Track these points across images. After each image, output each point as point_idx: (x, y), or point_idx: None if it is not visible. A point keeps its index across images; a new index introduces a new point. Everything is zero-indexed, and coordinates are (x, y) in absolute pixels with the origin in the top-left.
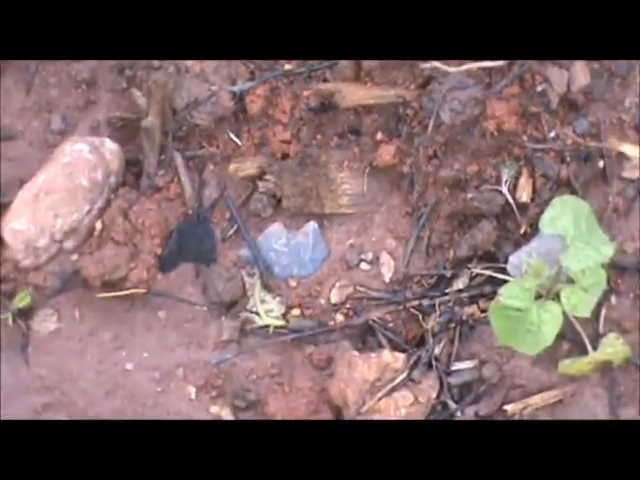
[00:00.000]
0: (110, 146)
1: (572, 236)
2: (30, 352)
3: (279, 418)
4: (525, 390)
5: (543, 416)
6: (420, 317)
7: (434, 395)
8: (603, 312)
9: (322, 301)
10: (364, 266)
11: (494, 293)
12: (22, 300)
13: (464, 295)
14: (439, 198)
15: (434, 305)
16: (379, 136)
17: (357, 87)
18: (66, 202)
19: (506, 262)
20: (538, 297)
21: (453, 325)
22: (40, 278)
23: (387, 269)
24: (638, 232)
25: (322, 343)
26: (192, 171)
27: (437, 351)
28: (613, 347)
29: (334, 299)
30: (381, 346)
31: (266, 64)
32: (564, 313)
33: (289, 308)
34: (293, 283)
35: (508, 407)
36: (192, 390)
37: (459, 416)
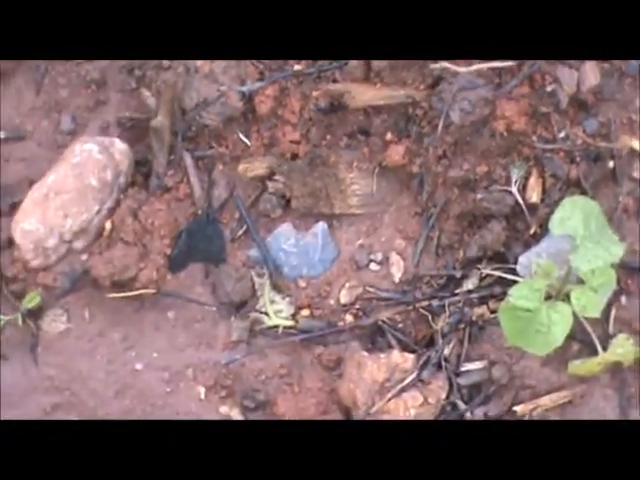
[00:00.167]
0: (119, 146)
1: (582, 236)
2: (39, 352)
3: (288, 418)
4: (535, 391)
5: (553, 417)
6: (430, 318)
7: (443, 396)
8: (613, 312)
9: (331, 301)
10: (373, 266)
11: (504, 294)
12: (32, 300)
13: (474, 296)
14: (449, 198)
15: (444, 306)
16: (388, 136)
17: (366, 87)
18: (76, 202)
19: (516, 263)
20: (548, 298)
21: (463, 326)
22: (50, 278)
23: (396, 269)
24: None
25: (331, 343)
26: (201, 171)
27: (447, 352)
28: (623, 348)
29: (343, 299)
30: (390, 347)
31: (275, 64)
32: (574, 313)
33: (298, 308)
34: (302, 283)
35: (518, 408)
36: (201, 390)
37: (468, 417)
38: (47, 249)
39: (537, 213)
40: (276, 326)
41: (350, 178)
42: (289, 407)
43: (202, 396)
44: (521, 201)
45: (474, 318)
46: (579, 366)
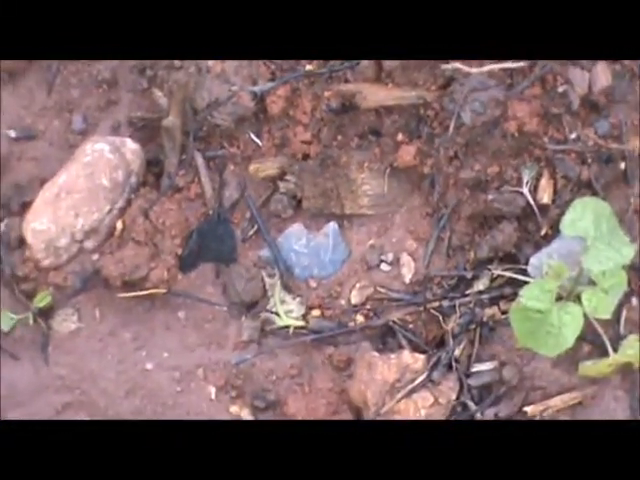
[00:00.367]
0: (131, 146)
1: (593, 237)
2: (50, 352)
3: (299, 419)
4: (545, 392)
5: (563, 418)
6: (440, 318)
7: (454, 396)
8: (624, 314)
9: (342, 302)
10: (384, 267)
11: (514, 294)
12: (42, 300)
13: (484, 296)
14: (460, 199)
15: (454, 306)
16: (400, 137)
17: (378, 88)
18: (87, 202)
19: (527, 263)
20: (559, 299)
21: (473, 326)
22: (60, 278)
23: (407, 270)
24: None
25: (342, 344)
26: (213, 171)
27: (457, 352)
28: (634, 349)
29: (354, 300)
30: (401, 347)
31: (287, 64)
32: (585, 315)
33: (309, 309)
34: (313, 284)
35: (528, 409)
36: (212, 390)
37: (479, 417)
38: (58, 249)
39: (548, 214)
40: (287, 326)
41: (361, 178)
42: (299, 407)
43: (213, 396)
44: (532, 202)
45: (485, 319)
46: (590, 367)
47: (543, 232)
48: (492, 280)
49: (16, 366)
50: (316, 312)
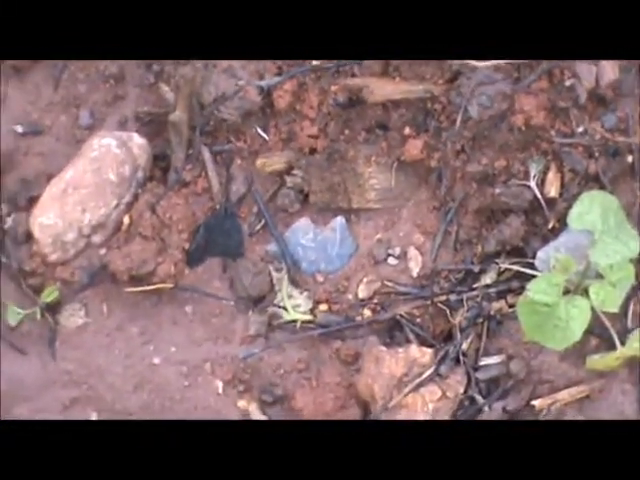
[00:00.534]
0: (138, 141)
1: (600, 231)
2: (58, 346)
3: (306, 413)
4: (553, 385)
5: (571, 412)
6: (448, 312)
7: (462, 390)
8: (631, 307)
9: (349, 296)
10: (392, 261)
11: (522, 288)
12: (50, 295)
13: (492, 290)
14: (467, 193)
15: (462, 300)
16: (407, 131)
17: (385, 82)
18: (94, 197)
19: (534, 257)
20: (566, 292)
21: (481, 320)
22: (68, 273)
23: (415, 264)
24: None
25: (349, 338)
26: (219, 166)
27: (465, 346)
28: None
29: (361, 294)
30: (408, 341)
31: None
32: (592, 308)
33: (316, 303)
34: (320, 278)
35: (536, 402)
36: (219, 384)
37: (487, 411)
38: (65, 243)
39: (555, 208)
40: (294, 321)
41: (368, 173)
42: (307, 402)
43: (220, 390)
44: (539, 196)
45: (492, 312)
46: (597, 361)
47: (550, 226)
48: (499, 274)
49: (23, 361)
50: (323, 306)
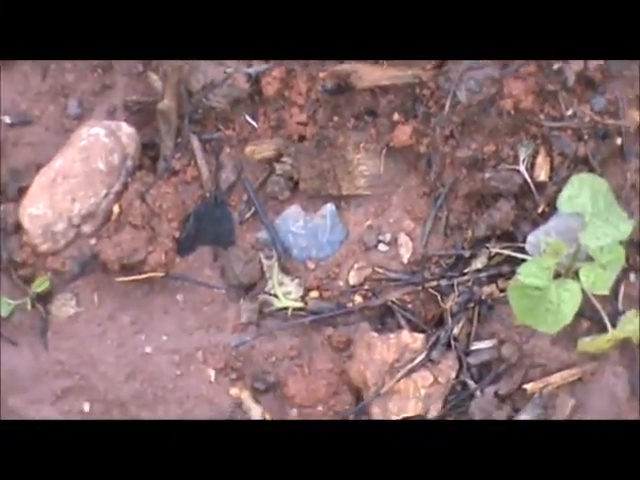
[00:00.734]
0: (127, 130)
1: (590, 214)
2: (49, 337)
3: (299, 400)
4: (545, 369)
5: (563, 395)
6: (439, 297)
7: (453, 375)
8: (622, 289)
9: (340, 283)
10: (382, 247)
11: (513, 273)
12: (40, 285)
13: (483, 275)
14: (456, 178)
15: (453, 285)
16: (396, 117)
17: (373, 68)
18: (83, 186)
19: (524, 241)
20: (557, 276)
21: (472, 305)
22: (58, 263)
23: (405, 250)
24: None
25: (341, 325)
26: (209, 154)
27: (456, 331)
28: (632, 324)
29: (352, 281)
30: (400, 327)
31: None
32: (583, 291)
33: (307, 290)
34: (311, 265)
35: (528, 386)
36: (212, 373)
37: (479, 396)
38: (55, 233)
39: (545, 191)
40: (285, 308)
41: (358, 159)
42: (299, 389)
43: (212, 379)
44: (529, 180)
45: (483, 297)
46: (589, 343)
47: (540, 209)
48: (490, 258)
49: (15, 352)
50: (314, 293)
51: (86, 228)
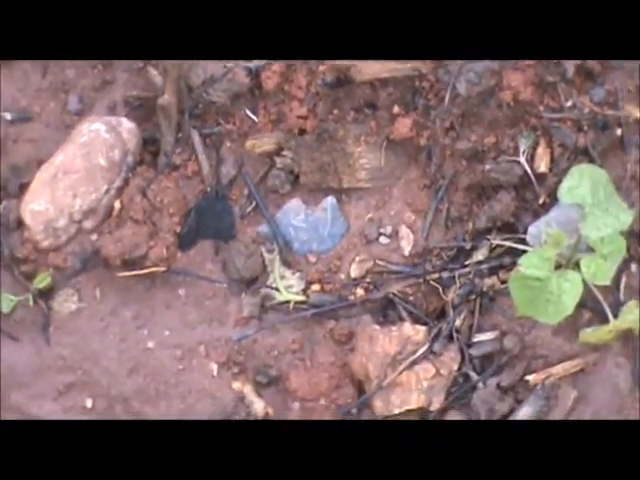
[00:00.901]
0: (127, 125)
1: (591, 204)
2: (52, 332)
3: (301, 394)
4: (547, 360)
5: (565, 386)
6: (440, 290)
7: (455, 367)
8: (623, 280)
9: (342, 276)
10: (383, 240)
11: (514, 264)
12: (42, 281)
13: (484, 267)
14: (457, 170)
15: (454, 277)
16: (395, 109)
17: (373, 61)
18: (84, 182)
19: (525, 233)
20: (558, 267)
21: (473, 297)
22: (60, 258)
23: (406, 242)
24: None
25: (343, 318)
26: (209, 148)
27: (458, 323)
28: (634, 315)
29: (354, 274)
30: (402, 319)
31: None
32: (584, 282)
33: (309, 283)
34: (312, 258)
35: (530, 377)
36: (214, 367)
37: (481, 387)
38: (57, 229)
39: (546, 183)
40: (287, 301)
41: (358, 152)
42: (302, 382)
43: (215, 373)
44: (529, 171)
45: (485, 289)
46: (590, 334)
47: (541, 201)
48: (491, 250)
49: (17, 348)
50: (316, 287)
51: (87, 224)
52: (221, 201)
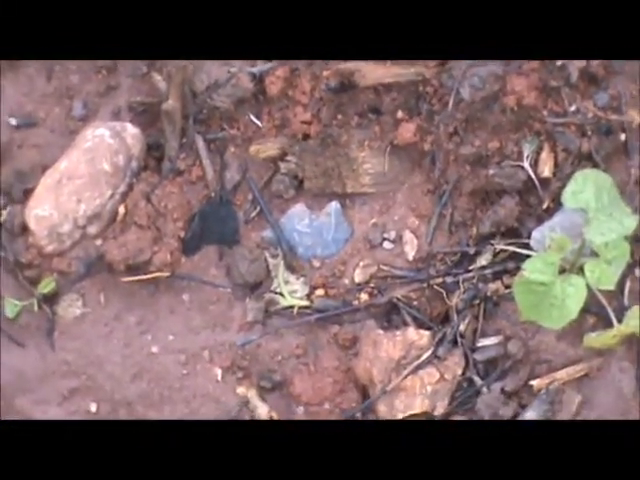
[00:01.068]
0: (131, 131)
1: (594, 209)
2: (56, 337)
3: (305, 398)
4: (551, 365)
5: (569, 391)
6: (444, 294)
7: (460, 372)
8: (627, 285)
9: (346, 281)
10: (387, 245)
11: (518, 269)
12: (47, 286)
13: (488, 271)
14: (461, 175)
15: (458, 282)
16: (399, 114)
17: (376, 66)
18: (89, 187)
19: (529, 237)
20: (562, 271)
21: (477, 302)
22: (64, 264)
23: (410, 247)
24: None
25: (347, 323)
26: (213, 154)
27: (462, 328)
28: (638, 319)
29: (358, 278)
30: (406, 324)
31: None
32: (588, 286)
33: (313, 288)
34: (317, 263)
35: (534, 382)
36: (218, 372)
37: (485, 392)
38: (61, 235)
39: (549, 187)
40: (291, 306)
41: (362, 157)
42: (306, 387)
43: (219, 378)
44: (533, 176)
45: (489, 294)
46: (594, 339)
47: (545, 205)
48: (495, 255)
49: (22, 353)
50: (320, 291)
51: (92, 229)
52: (225, 206)
